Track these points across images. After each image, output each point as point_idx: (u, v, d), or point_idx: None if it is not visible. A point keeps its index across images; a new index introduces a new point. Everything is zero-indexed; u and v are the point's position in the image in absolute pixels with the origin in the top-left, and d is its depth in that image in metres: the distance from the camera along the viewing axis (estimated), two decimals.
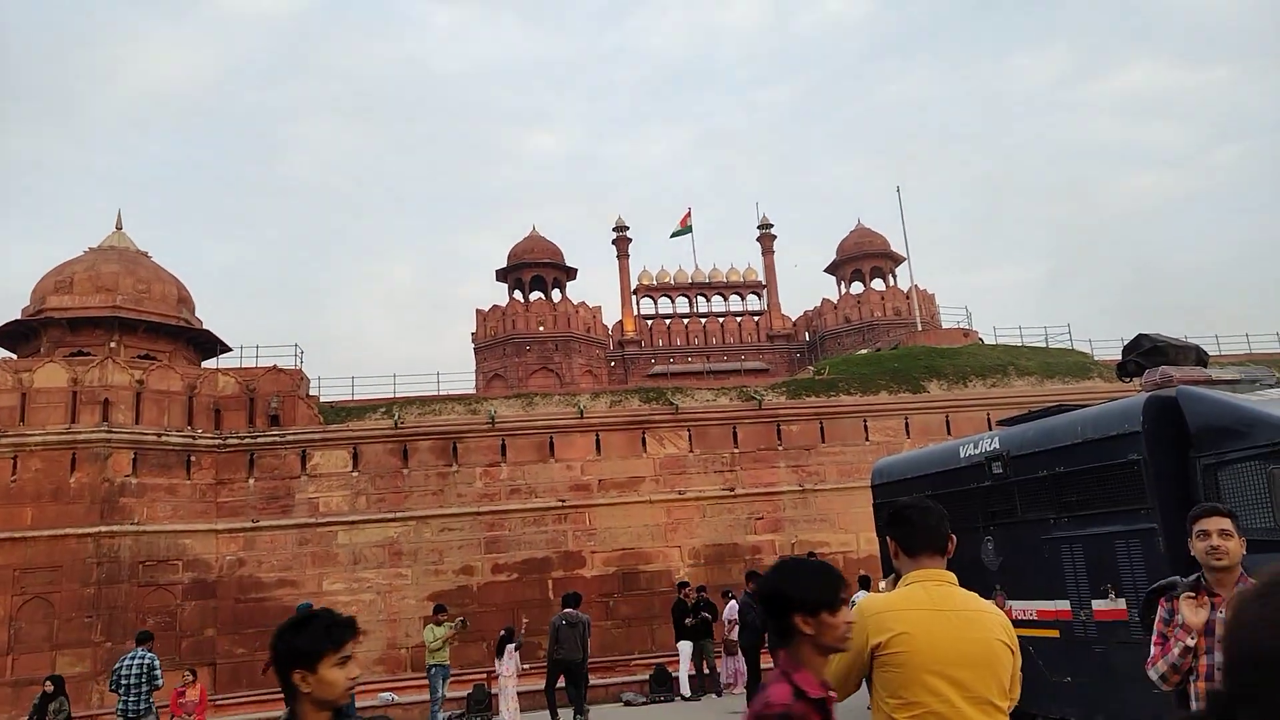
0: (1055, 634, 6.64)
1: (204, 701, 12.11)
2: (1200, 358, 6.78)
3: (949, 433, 19.83)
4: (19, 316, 19.59)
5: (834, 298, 41.34)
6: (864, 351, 27.49)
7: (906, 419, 20.49)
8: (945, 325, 34.28)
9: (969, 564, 7.44)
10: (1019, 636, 2.79)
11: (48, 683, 14.09)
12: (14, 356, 19.25)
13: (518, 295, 39.02)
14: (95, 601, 16.44)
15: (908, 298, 36.27)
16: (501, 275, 39.64)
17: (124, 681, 10.65)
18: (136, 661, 10.69)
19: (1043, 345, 25.55)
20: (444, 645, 12.37)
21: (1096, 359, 23.91)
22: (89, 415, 17.22)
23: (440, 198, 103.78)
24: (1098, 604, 6.24)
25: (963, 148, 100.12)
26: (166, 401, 17.98)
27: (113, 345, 19.10)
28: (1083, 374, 22.07)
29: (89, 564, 16.54)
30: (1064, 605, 6.55)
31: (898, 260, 40.51)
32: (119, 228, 21.82)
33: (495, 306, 38.20)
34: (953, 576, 2.56)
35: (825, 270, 43.00)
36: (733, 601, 14.33)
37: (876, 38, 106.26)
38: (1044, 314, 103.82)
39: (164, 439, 17.62)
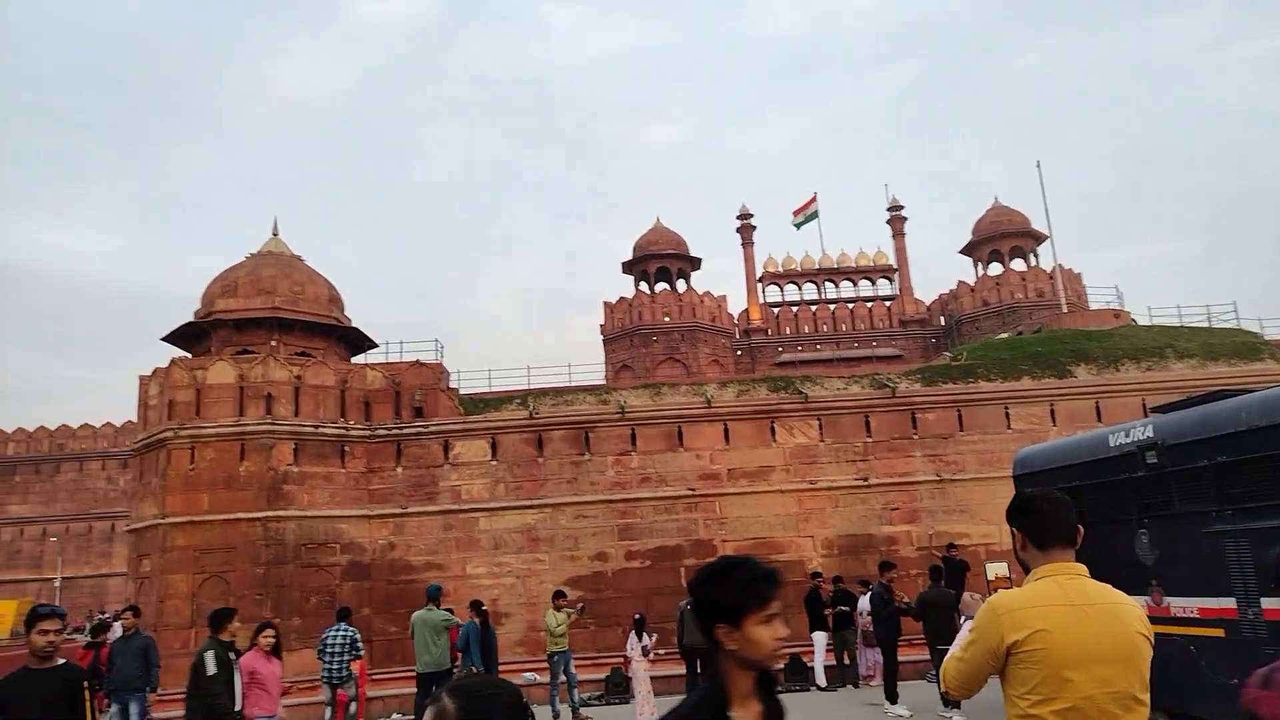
0: (1220, 633, 6.24)
1: (364, 675, 12.97)
2: None
3: (1099, 420, 18.78)
4: (191, 319, 21.38)
5: (970, 280, 39.75)
6: (1004, 335, 26.31)
7: (1052, 406, 19.52)
8: (1094, 306, 32.39)
9: (1121, 558, 7.09)
10: (1178, 635, 2.67)
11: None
12: (189, 356, 21.04)
13: (643, 286, 39.45)
14: (265, 580, 17.83)
15: (1051, 278, 34.46)
16: (627, 267, 40.17)
17: (329, 649, 11.73)
18: (341, 634, 11.81)
19: (1205, 325, 23.78)
20: (565, 631, 12.77)
21: (1267, 339, 22.05)
22: (254, 409, 18.63)
23: (566, 192, 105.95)
24: (1268, 603, 5.83)
25: (1106, 116, 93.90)
26: (321, 395, 19.23)
27: (273, 344, 20.58)
28: (1251, 355, 20.41)
29: (258, 546, 17.94)
30: (1229, 603, 6.14)
31: (1039, 238, 38.53)
32: (275, 234, 23.45)
33: (622, 298, 38.76)
34: (1083, 568, 2.49)
35: (960, 251, 41.40)
36: (869, 593, 14.13)
37: (1006, 5, 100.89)
38: (1201, 291, 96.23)
39: (320, 430, 18.86)
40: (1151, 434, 6.96)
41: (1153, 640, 2.40)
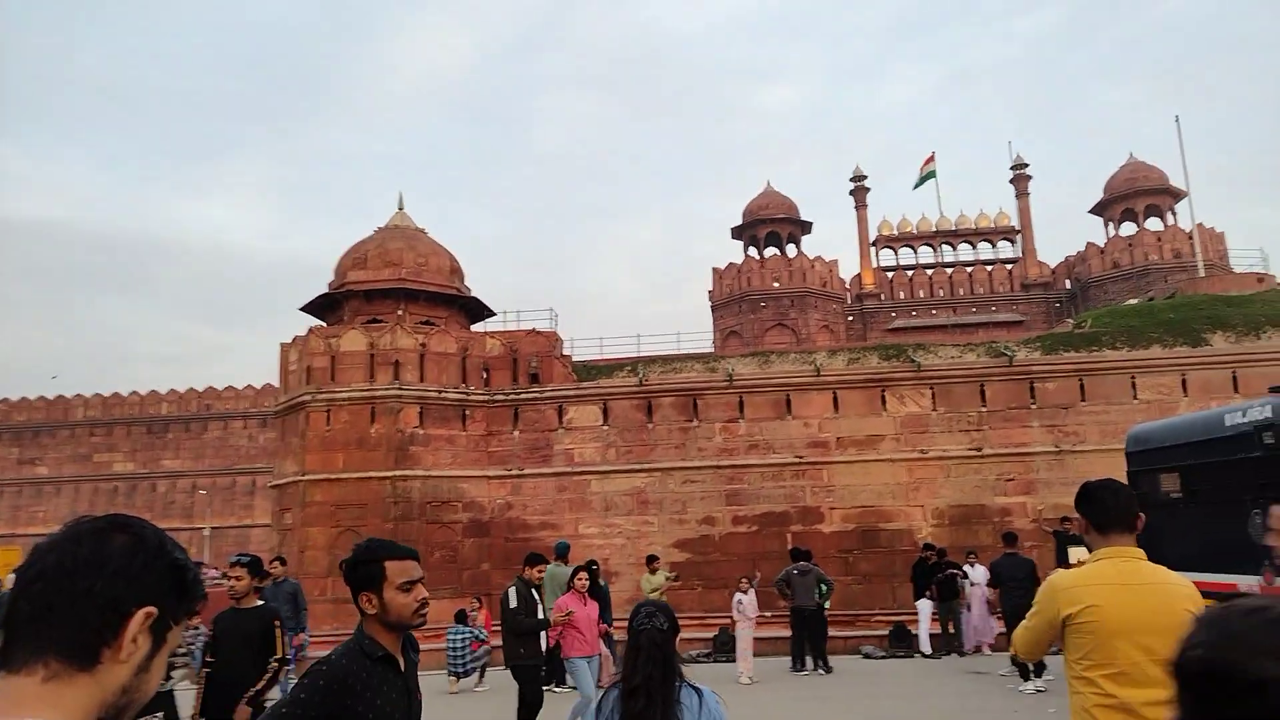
0: None
1: (489, 624, 13.90)
2: None
3: (1236, 390, 17.82)
4: (326, 290, 22.81)
5: (1100, 241, 37.80)
6: (1133, 302, 25.08)
7: (1184, 376, 18.62)
8: (1236, 269, 30.35)
9: (1234, 538, 6.96)
10: None
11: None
12: (324, 324, 22.50)
13: (752, 252, 39.27)
14: (394, 535, 19.08)
15: (1190, 238, 32.41)
16: (736, 233, 40.03)
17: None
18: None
19: None
20: (660, 594, 13.23)
21: None
22: (383, 374, 19.85)
23: (679, 159, 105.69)
24: None
25: (1259, 60, 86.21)
26: (444, 362, 20.29)
27: (399, 313, 21.77)
28: None
29: (387, 503, 19.23)
30: None
31: (1178, 196, 36.21)
32: (400, 208, 24.63)
33: (731, 264, 38.71)
34: (1141, 553, 2.75)
35: (1090, 211, 39.38)
36: (978, 566, 14.07)
37: None
38: None
39: (443, 395, 19.94)
40: (1270, 414, 6.76)
41: None
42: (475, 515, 19.79)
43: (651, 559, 13.79)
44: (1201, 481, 7.48)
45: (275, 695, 5.66)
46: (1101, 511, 2.78)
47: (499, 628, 8.38)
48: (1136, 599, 2.62)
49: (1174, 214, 37.27)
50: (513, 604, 7.67)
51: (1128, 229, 37.64)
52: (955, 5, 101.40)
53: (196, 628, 8.38)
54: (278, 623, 5.44)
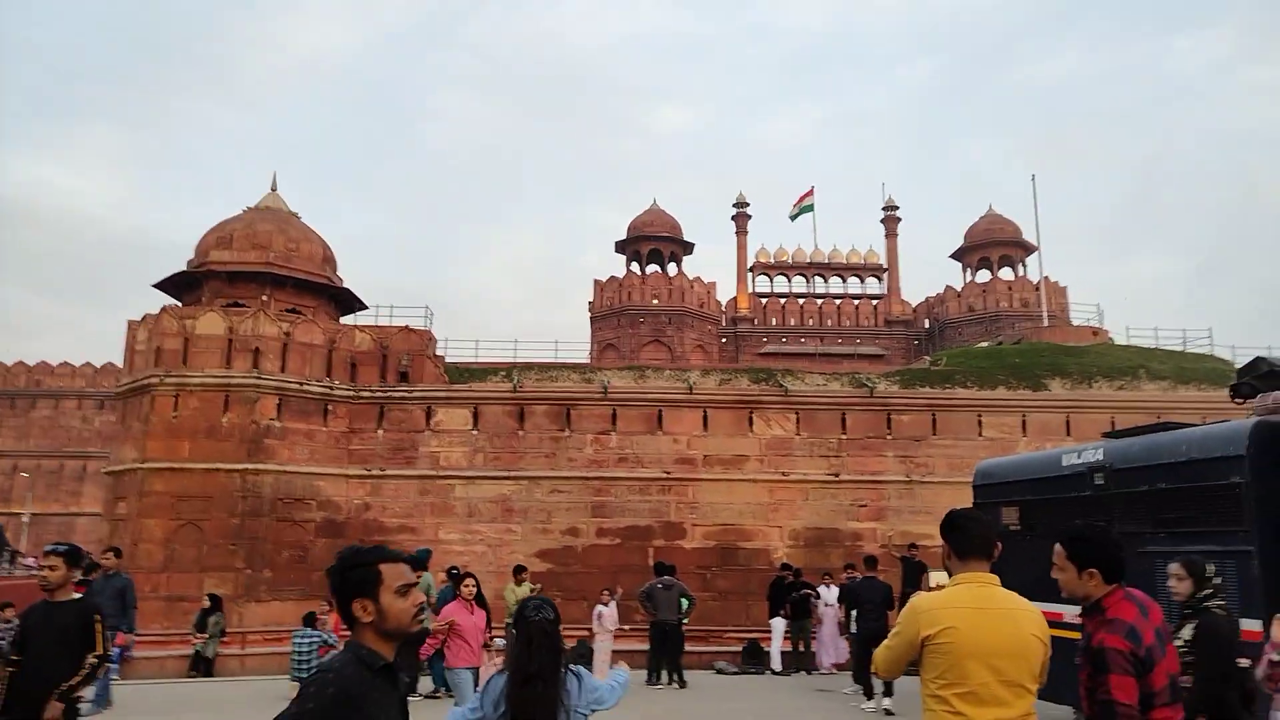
0: None
1: (338, 629, 13.35)
2: None
3: (1069, 434, 19.27)
4: (185, 268, 21.48)
5: (958, 285, 40.20)
6: (984, 344, 26.79)
7: (1024, 417, 20.01)
8: (1075, 322, 32.90)
9: None
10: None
11: (207, 599, 15.75)
12: (179, 304, 21.16)
13: (635, 267, 39.64)
14: (239, 531, 18.11)
15: (1036, 289, 34.94)
16: (620, 247, 40.33)
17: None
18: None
19: (1179, 349, 24.31)
20: None
21: (1237, 367, 22.57)
22: (241, 361, 18.83)
23: (568, 169, 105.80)
24: None
25: (1109, 131, 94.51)
26: (309, 353, 19.44)
27: (264, 298, 20.73)
28: (1220, 382, 20.87)
29: (235, 497, 18.21)
30: None
31: (1029, 249, 39.00)
32: (274, 189, 23.52)
33: (612, 277, 38.95)
34: (995, 579, 2.94)
35: (951, 256, 41.85)
36: (832, 586, 14.56)
37: (1027, 13, 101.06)
38: (1187, 312, 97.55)
39: (305, 388, 19.10)
40: (1101, 457, 7.36)
41: (1047, 642, 2.82)
42: (330, 515, 19.01)
43: (519, 570, 13.60)
44: (1038, 516, 8.05)
45: (89, 693, 5.21)
46: (963, 539, 2.94)
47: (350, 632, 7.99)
48: (990, 623, 2.78)
49: (1024, 266, 40.11)
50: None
51: (983, 276, 40.21)
52: (842, 51, 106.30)
53: (9, 621, 7.65)
54: (98, 617, 4.97)
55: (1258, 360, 6.99)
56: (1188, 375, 21.09)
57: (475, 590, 8.37)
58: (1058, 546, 3.13)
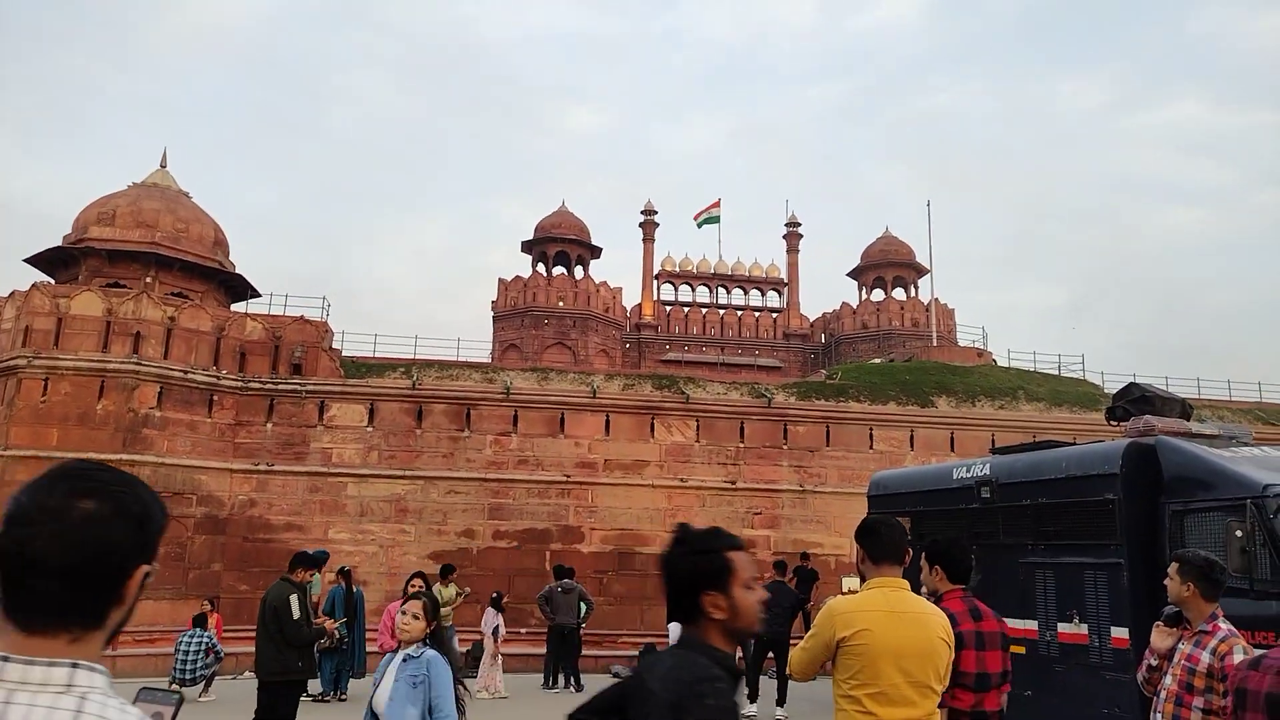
0: (1022, 650, 7.06)
1: (220, 631, 12.78)
2: (1184, 410, 7.14)
3: (953, 449, 20.17)
4: (60, 243, 20.16)
5: (854, 303, 41.53)
6: (877, 361, 27.78)
7: (912, 432, 20.83)
8: (961, 343, 34.50)
9: None
10: None
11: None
12: (52, 282, 19.84)
13: (541, 268, 39.42)
14: None
15: (927, 310, 36.46)
16: (526, 247, 40.03)
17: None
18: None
19: (1055, 373, 25.78)
20: (451, 608, 12.88)
21: (1106, 392, 24.14)
22: (120, 346, 17.79)
23: (477, 162, 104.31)
24: (1062, 627, 6.64)
25: (1001, 166, 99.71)
26: (195, 340, 18.53)
27: (148, 280, 19.66)
28: (1091, 405, 22.31)
29: None
30: (1032, 625, 6.97)
31: (921, 272, 40.64)
32: (164, 165, 22.35)
33: (518, 277, 38.61)
34: (906, 583, 3.04)
35: (848, 274, 43.18)
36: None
37: (927, 48, 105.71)
38: (1063, 341, 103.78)
39: (189, 376, 18.18)
40: (987, 472, 7.77)
41: (952, 644, 2.96)
42: (211, 511, 18.14)
43: (448, 570, 13.28)
44: (929, 527, 8.40)
45: None
46: (877, 544, 3.06)
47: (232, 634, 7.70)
48: (901, 625, 2.90)
49: (916, 287, 41.79)
50: (295, 613, 6.98)
51: (878, 295, 41.69)
52: (753, 66, 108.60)
53: None
54: None
55: (1131, 386, 7.50)
56: (1062, 398, 22.40)
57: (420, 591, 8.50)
58: (923, 555, 3.96)
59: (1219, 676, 3.40)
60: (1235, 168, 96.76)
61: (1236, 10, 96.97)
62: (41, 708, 1.05)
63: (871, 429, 20.78)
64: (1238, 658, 3.35)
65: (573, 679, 12.52)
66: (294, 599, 7.04)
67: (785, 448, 20.38)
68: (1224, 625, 3.62)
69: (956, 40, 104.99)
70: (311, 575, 7.62)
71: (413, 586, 8.38)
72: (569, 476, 19.39)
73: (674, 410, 20.18)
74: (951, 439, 20.62)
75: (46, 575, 1.10)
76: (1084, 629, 6.44)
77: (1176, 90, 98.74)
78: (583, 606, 12.76)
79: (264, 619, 6.94)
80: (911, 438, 20.76)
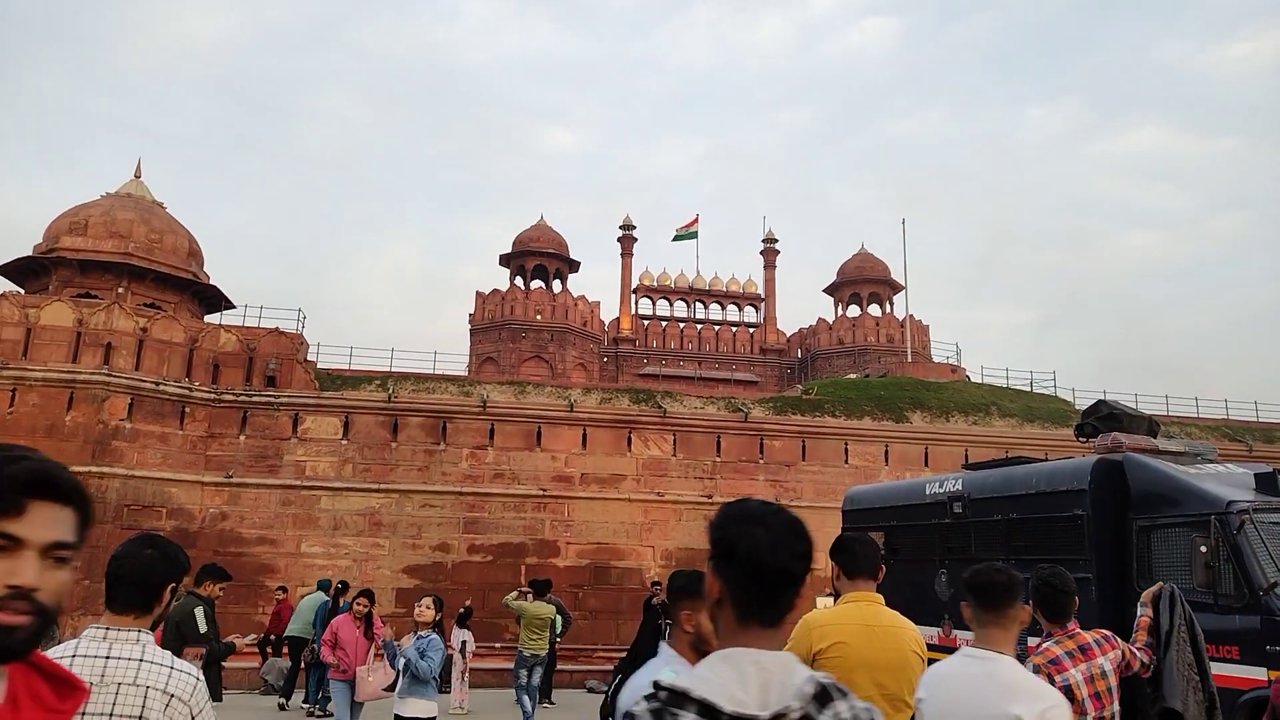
0: None
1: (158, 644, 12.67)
2: (1151, 428, 7.27)
3: (927, 464, 20.34)
4: (30, 253, 19.90)
5: (830, 318, 41.82)
6: (853, 376, 28.00)
7: (887, 446, 20.99)
8: (935, 359, 34.82)
9: (923, 593, 7.92)
10: None
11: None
12: (21, 292, 19.56)
13: (518, 282, 39.38)
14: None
15: (902, 327, 36.78)
16: (505, 260, 39.98)
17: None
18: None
19: (1027, 389, 26.10)
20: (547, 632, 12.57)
21: (1078, 408, 24.47)
22: (90, 357, 17.56)
23: (453, 181, 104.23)
24: (1032, 641, 6.71)
25: (969, 189, 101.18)
26: (167, 351, 18.33)
27: (120, 291, 19.44)
28: (1062, 421, 22.60)
29: None
30: None
31: (896, 288, 41.03)
32: (138, 176, 22.14)
33: (495, 290, 38.54)
34: (880, 598, 3.10)
35: (824, 290, 43.49)
36: None
37: (896, 74, 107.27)
38: (1033, 359, 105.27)
39: (161, 388, 17.98)
40: (960, 487, 7.86)
41: (925, 658, 3.00)
42: (182, 524, 17.89)
43: (546, 584, 12.98)
44: (902, 541, 8.50)
45: None
46: (851, 560, 3.11)
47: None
48: (875, 639, 2.96)
49: (891, 304, 42.17)
50: (203, 627, 6.67)
51: (853, 311, 42.01)
52: (726, 91, 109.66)
53: None
54: None
55: (1099, 404, 7.63)
56: (1034, 414, 22.68)
57: (366, 610, 8.46)
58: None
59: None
60: (1195, 193, 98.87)
61: (1197, 41, 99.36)
62: (127, 644, 2.12)
63: (847, 444, 20.91)
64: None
65: (545, 694, 12.45)
66: (199, 612, 6.72)
67: (761, 462, 20.45)
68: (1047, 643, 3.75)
69: (924, 68, 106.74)
70: (223, 589, 7.36)
71: (358, 604, 8.41)
72: (545, 490, 19.34)
73: (651, 424, 20.21)
74: (926, 454, 20.80)
75: (129, 586, 2.23)
76: None
77: (1137, 118, 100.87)
78: (558, 621, 12.69)
79: (166, 634, 6.36)
80: (886, 452, 20.92)
